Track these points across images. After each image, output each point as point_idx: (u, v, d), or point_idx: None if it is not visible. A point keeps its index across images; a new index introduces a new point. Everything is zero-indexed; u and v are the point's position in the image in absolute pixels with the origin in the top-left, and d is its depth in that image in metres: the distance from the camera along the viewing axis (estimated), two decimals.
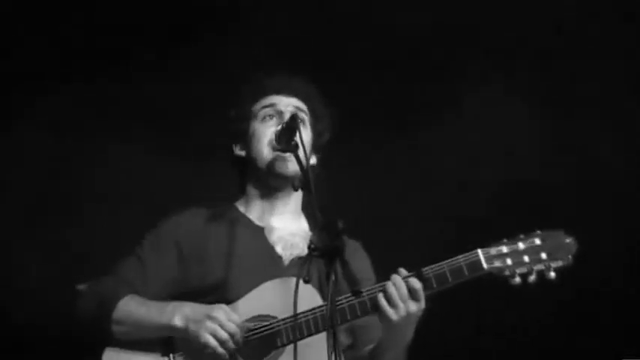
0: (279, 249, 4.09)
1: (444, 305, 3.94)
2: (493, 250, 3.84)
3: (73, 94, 5.60)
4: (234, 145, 4.27)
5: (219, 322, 3.77)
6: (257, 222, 4.16)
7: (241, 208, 4.22)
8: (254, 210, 4.19)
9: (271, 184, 4.15)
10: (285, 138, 3.85)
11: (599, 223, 5.44)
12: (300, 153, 3.75)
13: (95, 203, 5.60)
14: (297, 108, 4.19)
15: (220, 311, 3.79)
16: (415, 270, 3.83)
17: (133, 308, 3.91)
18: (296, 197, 4.19)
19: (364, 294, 3.77)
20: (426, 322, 3.88)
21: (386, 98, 5.71)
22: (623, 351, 5.25)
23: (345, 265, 3.42)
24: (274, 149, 4.06)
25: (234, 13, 5.68)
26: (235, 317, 3.80)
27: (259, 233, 4.12)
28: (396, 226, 5.56)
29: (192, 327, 3.79)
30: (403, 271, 3.84)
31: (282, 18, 5.66)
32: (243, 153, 4.23)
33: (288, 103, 4.19)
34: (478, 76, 5.66)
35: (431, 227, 5.54)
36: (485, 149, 5.66)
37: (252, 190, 4.22)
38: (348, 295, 3.74)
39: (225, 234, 4.10)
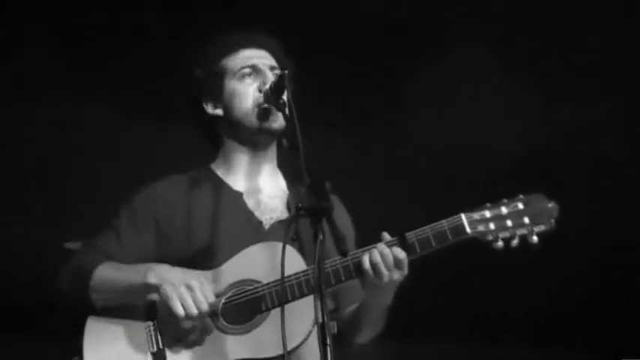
0: (258, 214, 4.06)
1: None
2: (476, 215, 3.86)
3: (48, 60, 5.62)
4: (204, 104, 4.18)
5: (193, 296, 3.74)
6: (235, 187, 4.12)
7: (218, 172, 4.17)
8: (232, 172, 4.14)
9: (257, 141, 4.11)
10: (274, 97, 3.85)
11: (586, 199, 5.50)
12: (288, 111, 3.74)
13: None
14: (271, 65, 4.15)
15: (197, 283, 3.76)
16: (398, 235, 3.84)
17: (109, 274, 3.88)
18: (273, 155, 4.18)
19: (349, 257, 3.78)
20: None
21: (369, 66, 5.74)
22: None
23: (332, 224, 3.44)
24: (260, 106, 4.02)
25: None
26: (210, 292, 3.77)
27: (238, 199, 4.08)
28: (378, 185, 5.59)
29: (165, 287, 3.77)
30: (387, 236, 3.86)
31: None
32: (219, 112, 4.15)
33: (263, 60, 4.14)
34: (464, 43, 5.72)
35: (413, 189, 5.56)
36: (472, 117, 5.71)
37: (230, 150, 4.15)
38: (334, 259, 3.76)
39: (203, 201, 4.07)
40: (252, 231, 4.01)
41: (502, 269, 5.22)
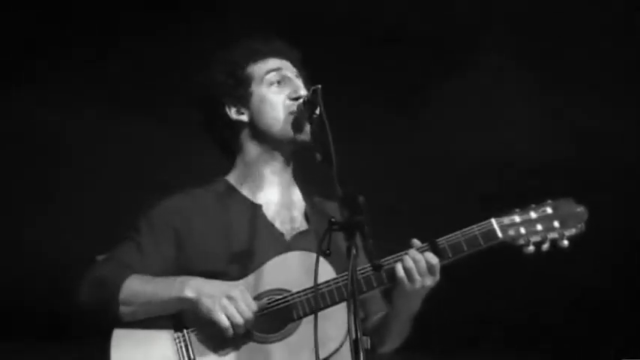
0: (278, 225, 4.05)
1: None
2: (506, 220, 3.86)
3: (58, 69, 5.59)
4: (227, 108, 4.14)
5: (237, 305, 3.74)
6: (253, 199, 4.09)
7: (235, 184, 4.14)
8: (249, 183, 4.11)
9: (284, 150, 4.09)
10: (307, 111, 3.84)
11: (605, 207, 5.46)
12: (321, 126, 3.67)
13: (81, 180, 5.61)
14: (296, 73, 4.14)
15: (238, 292, 3.75)
16: (429, 241, 3.85)
17: (139, 287, 3.84)
18: (291, 165, 4.15)
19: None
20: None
21: (390, 77, 5.73)
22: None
23: (365, 239, 3.42)
24: (293, 115, 4.00)
25: None
26: (251, 301, 3.77)
27: (257, 211, 4.05)
28: (404, 196, 5.58)
29: (205, 301, 3.75)
30: (417, 242, 3.86)
31: None
32: (244, 118, 4.13)
33: (289, 68, 4.14)
34: (485, 52, 5.73)
35: (438, 200, 5.57)
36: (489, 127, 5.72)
37: (251, 158, 4.12)
38: (366, 266, 3.73)
39: (223, 214, 4.04)
40: (275, 242, 3.99)
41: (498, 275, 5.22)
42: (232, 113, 4.14)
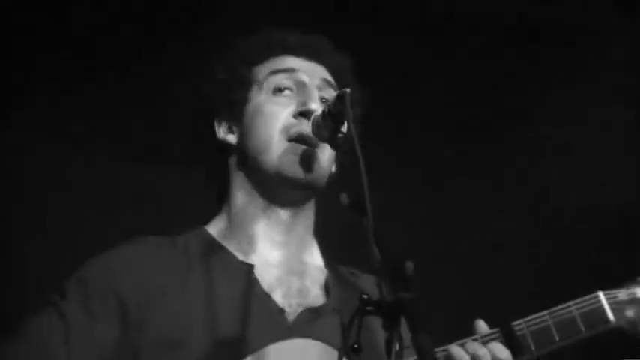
0: (278, 297, 2.82)
1: None
2: (622, 294, 2.72)
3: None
4: (216, 124, 2.98)
5: None
6: (241, 256, 2.87)
7: (217, 235, 2.93)
8: (238, 236, 2.91)
9: (282, 192, 2.89)
10: (329, 129, 2.61)
11: None
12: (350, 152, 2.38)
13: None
14: (325, 81, 2.94)
15: None
16: (501, 323, 2.70)
17: None
18: (306, 217, 2.95)
19: None
20: None
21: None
22: None
23: (416, 329, 2.18)
24: (297, 139, 2.82)
25: None
26: None
27: (246, 274, 2.82)
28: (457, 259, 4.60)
29: None
30: (482, 326, 2.71)
31: None
32: (231, 138, 2.95)
33: (313, 73, 2.94)
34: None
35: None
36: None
37: (238, 199, 2.92)
38: None
39: (196, 277, 2.80)
40: (269, 322, 2.77)
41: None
42: (220, 132, 2.98)
